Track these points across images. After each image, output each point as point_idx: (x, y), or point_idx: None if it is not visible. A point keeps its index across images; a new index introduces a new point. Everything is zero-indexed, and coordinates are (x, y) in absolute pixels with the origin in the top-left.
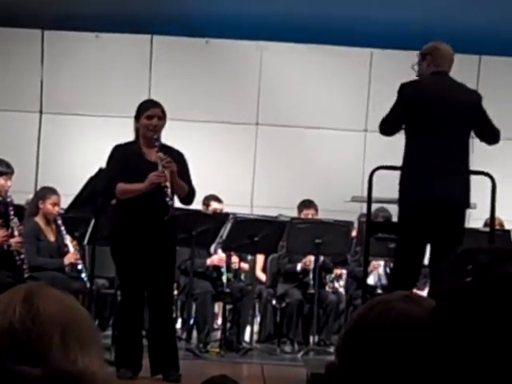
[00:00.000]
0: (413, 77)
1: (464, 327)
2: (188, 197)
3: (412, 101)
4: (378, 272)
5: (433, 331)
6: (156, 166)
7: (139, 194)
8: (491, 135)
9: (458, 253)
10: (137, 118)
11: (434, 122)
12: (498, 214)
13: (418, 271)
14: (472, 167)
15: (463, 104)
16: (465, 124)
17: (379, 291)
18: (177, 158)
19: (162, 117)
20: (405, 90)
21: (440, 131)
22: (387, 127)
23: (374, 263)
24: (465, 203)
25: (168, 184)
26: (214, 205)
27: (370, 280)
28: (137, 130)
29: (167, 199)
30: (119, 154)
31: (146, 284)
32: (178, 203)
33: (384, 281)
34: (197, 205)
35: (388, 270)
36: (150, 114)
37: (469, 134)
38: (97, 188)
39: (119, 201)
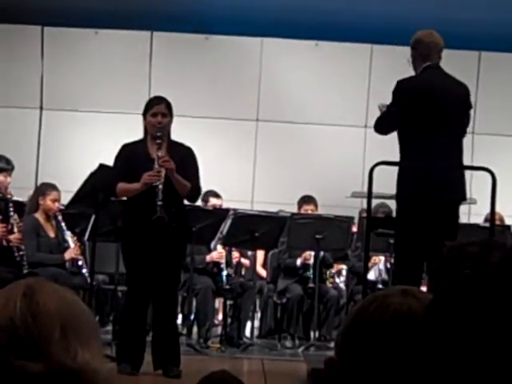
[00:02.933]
0: (412, 73)
1: (459, 320)
2: (192, 194)
3: (409, 98)
4: (378, 267)
5: (428, 326)
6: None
7: (137, 193)
8: (464, 130)
9: (447, 248)
10: (144, 115)
11: (429, 118)
12: (498, 210)
13: (421, 268)
14: (472, 163)
15: (456, 98)
16: (458, 118)
17: (380, 286)
18: (185, 154)
19: (167, 113)
20: (400, 87)
21: (435, 127)
22: (384, 126)
23: (374, 258)
24: (461, 198)
25: (161, 183)
26: (212, 200)
27: (371, 275)
28: (145, 128)
29: (156, 199)
30: (125, 153)
31: (151, 280)
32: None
33: (384, 276)
34: (202, 202)
35: (388, 266)
36: (154, 112)
37: (462, 127)
38: (97, 184)
39: (126, 200)
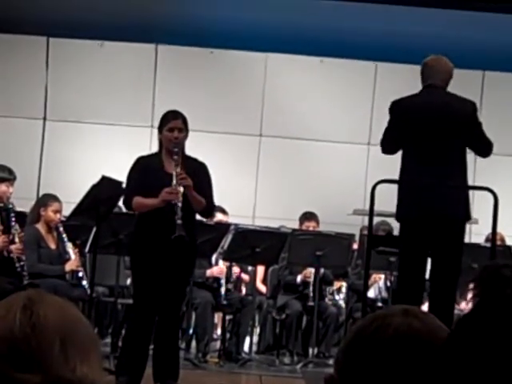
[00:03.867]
0: (416, 91)
1: (499, 339)
2: (205, 210)
3: (403, 117)
4: (378, 285)
5: (450, 351)
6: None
7: (153, 208)
8: (484, 147)
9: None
10: (159, 129)
11: (428, 136)
12: (499, 230)
13: (422, 287)
14: (474, 183)
15: (456, 113)
16: (459, 134)
17: (379, 304)
18: (197, 170)
19: (184, 128)
20: (395, 106)
21: (434, 144)
22: (387, 148)
23: (374, 276)
24: (464, 216)
25: (180, 201)
26: (219, 216)
27: (371, 293)
28: (160, 142)
29: (176, 217)
30: (140, 166)
31: (159, 295)
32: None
33: (384, 294)
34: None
35: (388, 284)
36: (170, 127)
37: (464, 143)
38: (99, 196)
39: (139, 214)
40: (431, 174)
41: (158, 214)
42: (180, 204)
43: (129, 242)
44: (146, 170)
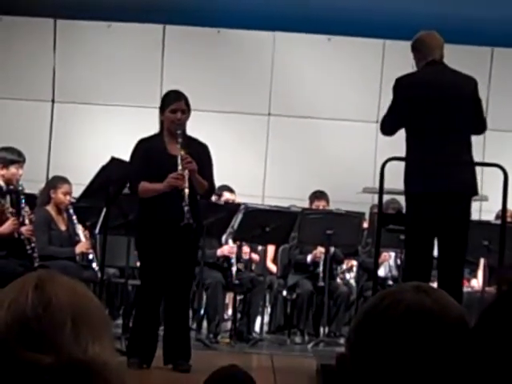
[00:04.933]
0: None
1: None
2: (207, 193)
3: (409, 94)
4: (388, 263)
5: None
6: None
7: (159, 193)
8: (480, 124)
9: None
10: (161, 110)
11: (434, 113)
12: (509, 206)
13: (430, 264)
14: (483, 159)
15: (460, 90)
16: (463, 110)
17: (390, 282)
18: (200, 151)
19: (186, 109)
20: (400, 84)
21: (440, 121)
22: (388, 126)
23: (384, 254)
24: (472, 192)
25: (186, 187)
26: (226, 195)
27: (381, 272)
28: (161, 123)
29: (183, 204)
30: (142, 148)
31: (166, 276)
32: None
33: (394, 272)
34: (214, 196)
35: (399, 262)
36: (173, 108)
37: (467, 120)
38: (108, 177)
39: (142, 199)
40: (437, 151)
41: (163, 199)
42: (187, 190)
43: (134, 226)
44: (148, 153)
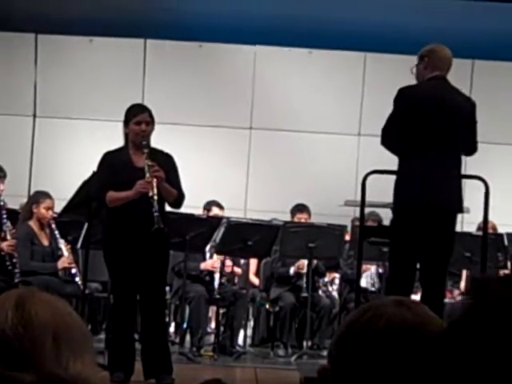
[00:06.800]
0: (407, 81)
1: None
2: (177, 201)
3: (410, 106)
4: (370, 272)
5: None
6: (144, 171)
7: (127, 201)
8: (473, 146)
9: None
10: (125, 123)
11: (431, 129)
12: (490, 218)
13: (413, 276)
14: (465, 171)
15: (460, 110)
16: (460, 130)
17: (372, 289)
18: (165, 161)
19: (151, 121)
20: (403, 94)
21: (436, 138)
22: (387, 138)
23: (366, 266)
24: (458, 209)
25: (155, 194)
26: (215, 210)
27: (362, 282)
28: (126, 136)
29: (153, 210)
30: (108, 161)
31: (138, 288)
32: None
33: (376, 281)
34: (192, 209)
35: (380, 271)
36: (138, 120)
37: (464, 141)
38: (91, 191)
39: (109, 208)
40: (430, 167)
41: (131, 207)
42: (156, 197)
43: (102, 238)
44: (114, 166)
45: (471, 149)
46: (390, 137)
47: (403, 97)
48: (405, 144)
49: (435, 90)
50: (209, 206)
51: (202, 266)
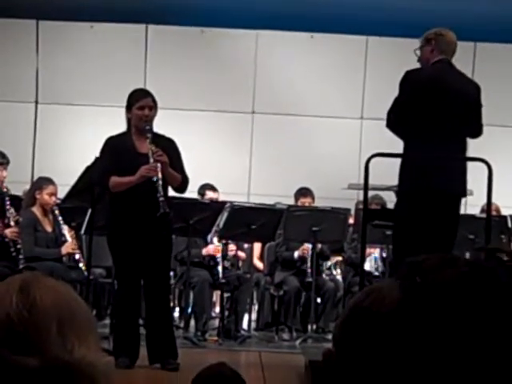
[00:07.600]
0: (409, 64)
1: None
2: (181, 186)
3: (416, 89)
4: (374, 256)
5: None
6: (147, 157)
7: (131, 186)
8: (478, 129)
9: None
10: (128, 108)
11: (437, 112)
12: (494, 200)
13: None
14: (468, 154)
15: (466, 94)
16: (465, 115)
17: (376, 273)
18: (168, 146)
19: (154, 106)
20: (409, 78)
21: (442, 121)
22: (393, 120)
23: (369, 250)
24: (462, 193)
25: (160, 178)
26: (209, 194)
27: (366, 266)
28: (128, 121)
29: (158, 195)
30: (111, 146)
31: (141, 273)
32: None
33: (380, 264)
34: (191, 194)
35: (384, 254)
36: (141, 105)
37: (469, 125)
38: (93, 177)
39: (112, 194)
40: (435, 150)
41: (134, 193)
42: (160, 182)
43: (106, 223)
44: (117, 151)
45: (476, 132)
46: (396, 120)
47: (409, 80)
48: (410, 127)
49: (441, 73)
50: (202, 189)
51: (204, 251)
